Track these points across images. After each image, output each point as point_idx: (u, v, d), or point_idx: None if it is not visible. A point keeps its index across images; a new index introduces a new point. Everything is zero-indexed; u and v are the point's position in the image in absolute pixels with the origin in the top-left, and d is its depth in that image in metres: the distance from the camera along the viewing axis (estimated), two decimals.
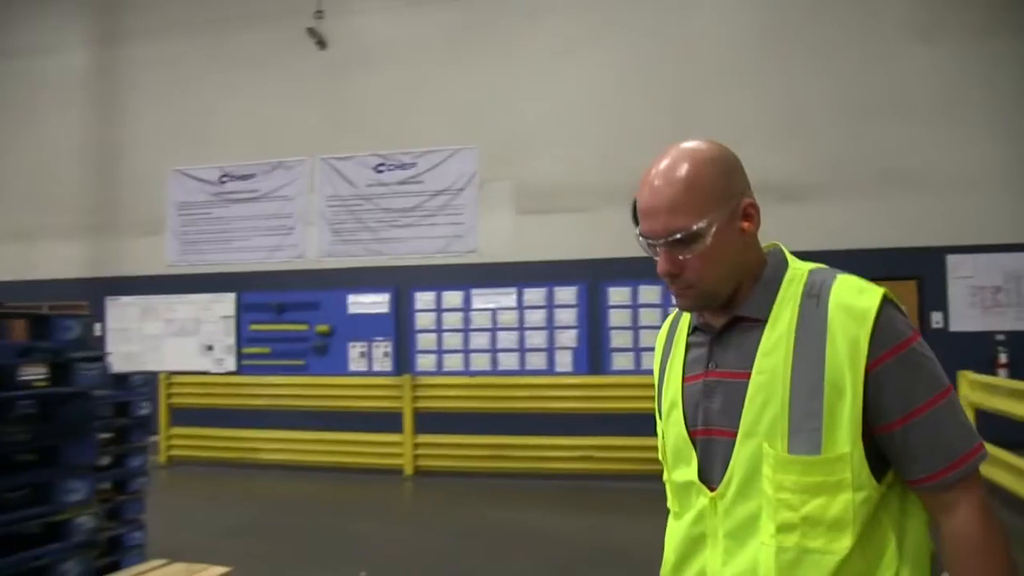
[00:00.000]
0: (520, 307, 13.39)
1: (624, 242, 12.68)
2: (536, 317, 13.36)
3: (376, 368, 13.95)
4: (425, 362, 13.75)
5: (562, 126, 13.43)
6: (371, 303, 14.07)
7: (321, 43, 14.65)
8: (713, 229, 1.74)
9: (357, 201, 14.33)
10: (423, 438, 11.71)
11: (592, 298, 13.20)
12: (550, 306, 13.32)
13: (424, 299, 13.83)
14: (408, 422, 11.64)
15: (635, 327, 13.05)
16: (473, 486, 10.75)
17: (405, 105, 14.23)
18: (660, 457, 2.03)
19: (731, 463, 1.76)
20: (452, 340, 13.68)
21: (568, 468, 11.05)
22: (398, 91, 14.28)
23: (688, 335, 1.94)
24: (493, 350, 13.44)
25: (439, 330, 13.76)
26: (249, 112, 15.06)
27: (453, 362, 13.63)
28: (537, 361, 13.30)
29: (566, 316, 13.27)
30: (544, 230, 13.41)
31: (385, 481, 11.33)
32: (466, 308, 13.68)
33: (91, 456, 4.04)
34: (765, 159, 12.54)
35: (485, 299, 13.48)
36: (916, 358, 1.69)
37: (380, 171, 14.24)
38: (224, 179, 15.18)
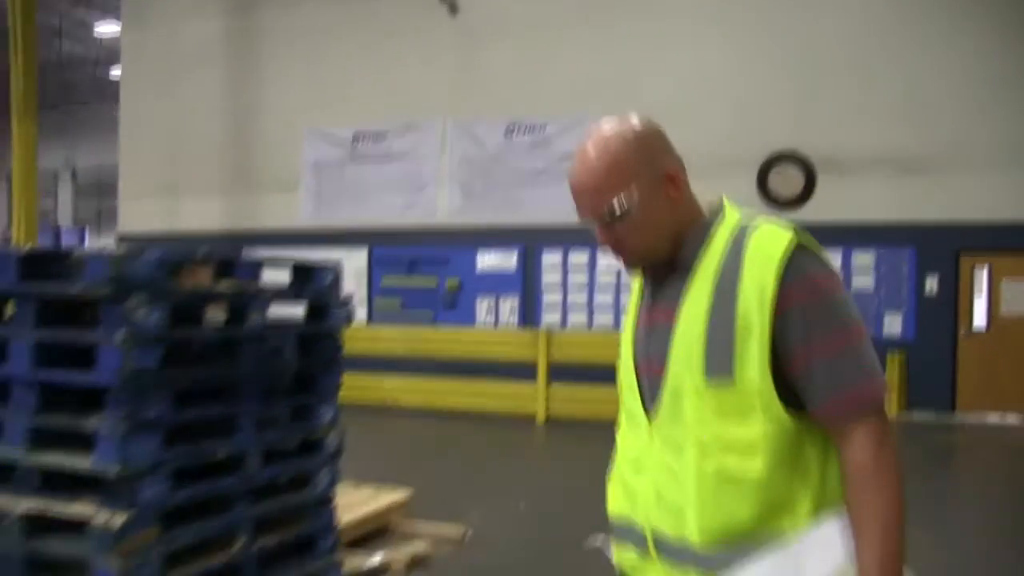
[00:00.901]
0: None
1: (746, 207, 13.16)
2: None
3: (503, 321, 14.65)
4: (550, 318, 14.40)
5: (689, 98, 13.77)
6: (499, 260, 14.72)
7: (453, 8, 15.23)
8: (636, 203, 1.90)
9: (487, 162, 14.96)
10: (555, 387, 12.40)
11: None
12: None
13: (551, 258, 14.44)
14: (542, 372, 12.33)
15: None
16: (601, 431, 11.38)
17: (535, 70, 14.75)
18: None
19: (660, 395, 1.93)
20: (577, 298, 14.31)
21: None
22: (528, 56, 14.80)
23: (642, 283, 2.13)
24: (616, 308, 14.03)
25: (564, 287, 14.39)
26: (382, 76, 15.73)
27: (577, 318, 14.28)
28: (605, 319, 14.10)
29: None
30: None
31: (518, 427, 12.04)
32: (591, 267, 14.27)
33: (338, 385, 4.75)
34: (885, 133, 12.92)
35: (610, 259, 14.03)
36: (820, 299, 1.82)
37: (510, 134, 14.83)
38: (357, 139, 15.92)
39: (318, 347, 4.64)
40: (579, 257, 14.30)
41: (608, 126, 1.97)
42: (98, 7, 25.46)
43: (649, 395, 1.99)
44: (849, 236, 13.11)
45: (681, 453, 1.89)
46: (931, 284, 13.00)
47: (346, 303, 4.76)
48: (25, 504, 3.65)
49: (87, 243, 33.73)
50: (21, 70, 15.22)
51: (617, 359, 2.15)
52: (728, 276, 1.85)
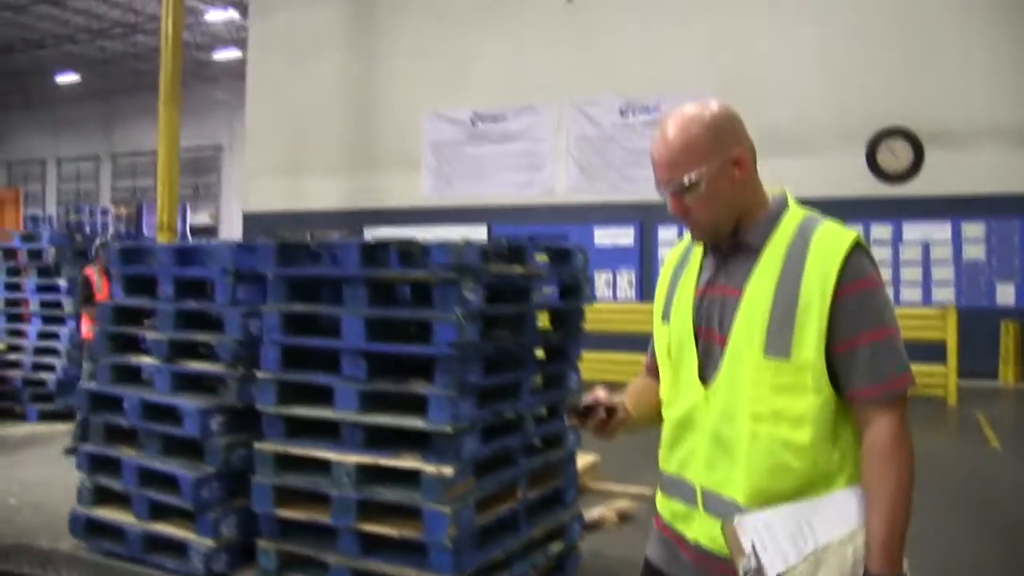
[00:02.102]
0: None
1: (855, 182, 13.66)
2: None
3: (620, 295, 15.24)
4: None
5: (796, 75, 14.28)
6: (616, 236, 15.30)
7: None
8: (705, 179, 2.10)
9: (603, 141, 15.54)
10: None
11: None
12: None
13: (667, 234, 14.99)
14: None
15: None
16: None
17: (647, 53, 15.27)
18: (653, 352, 2.44)
19: (721, 365, 2.11)
20: None
21: None
22: (641, 39, 15.33)
23: (703, 257, 2.28)
24: None
25: None
26: (500, 58, 16.35)
27: None
28: None
29: None
30: (778, 169, 14.24)
31: None
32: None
33: (579, 354, 5.40)
34: (992, 104, 13.23)
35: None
36: (872, 296, 2.03)
37: (624, 113, 15.39)
38: (476, 120, 16.57)
39: (569, 321, 5.30)
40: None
41: (688, 108, 2.16)
42: None
43: (706, 362, 2.17)
44: (959, 207, 13.53)
45: (734, 420, 2.08)
46: None
47: (591, 282, 5.42)
48: (355, 457, 4.35)
49: (188, 218, 34.70)
50: (170, 58, 16.03)
51: (656, 320, 2.36)
52: (794, 262, 2.04)
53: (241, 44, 32.53)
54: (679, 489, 2.23)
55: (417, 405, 4.30)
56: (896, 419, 2.01)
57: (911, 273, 13.85)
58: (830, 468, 2.04)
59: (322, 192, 18.00)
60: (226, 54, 33.56)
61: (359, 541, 4.36)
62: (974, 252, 13.61)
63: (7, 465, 8.26)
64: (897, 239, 13.84)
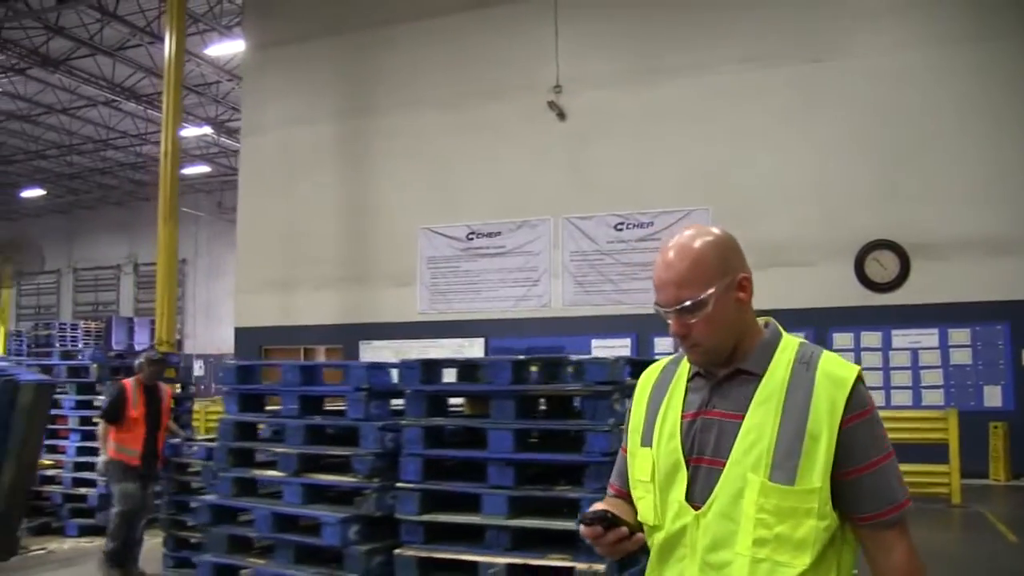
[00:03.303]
0: None
1: (846, 292, 14.32)
2: None
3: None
4: None
5: (786, 191, 14.94)
6: (613, 347, 15.75)
7: (561, 115, 16.50)
8: (713, 299, 2.09)
9: (598, 256, 16.10)
10: None
11: (819, 342, 14.67)
12: None
13: (663, 343, 15.45)
14: None
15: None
16: None
17: (641, 170, 15.93)
18: (622, 475, 2.38)
19: (717, 487, 2.07)
20: None
21: None
22: (634, 157, 15.99)
23: (688, 380, 2.24)
24: None
25: None
26: (494, 176, 16.94)
27: None
28: None
29: None
30: (772, 281, 14.88)
31: None
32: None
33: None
34: (973, 216, 13.99)
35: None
36: (875, 423, 2.07)
37: (619, 229, 15.99)
38: (471, 236, 17.09)
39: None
40: None
41: (691, 231, 2.18)
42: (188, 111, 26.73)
43: (695, 486, 2.12)
44: (945, 314, 14.14)
45: (731, 544, 2.04)
46: None
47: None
48: (504, 559, 4.69)
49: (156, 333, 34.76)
50: (169, 178, 16.45)
51: (630, 445, 2.31)
52: (799, 390, 2.05)
53: (210, 160, 33.17)
54: None
55: (561, 509, 4.66)
56: (909, 540, 2.08)
57: (901, 377, 14.36)
58: None
59: (315, 307, 18.29)
60: (194, 169, 34.08)
61: None
62: (961, 357, 14.17)
63: None
64: (887, 345, 14.42)
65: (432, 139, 17.61)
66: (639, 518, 2.24)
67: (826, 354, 2.12)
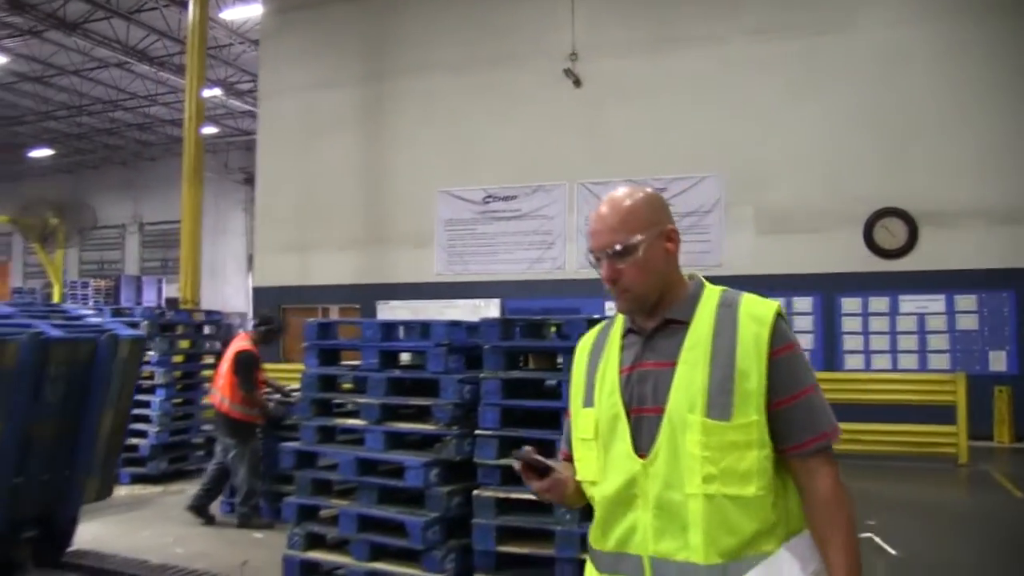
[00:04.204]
0: None
1: (854, 259, 14.83)
2: None
3: None
4: None
5: (796, 159, 15.40)
6: None
7: (577, 82, 16.92)
8: (643, 245, 2.23)
9: None
10: None
11: (827, 306, 15.25)
12: (788, 313, 15.29)
13: None
14: None
15: (865, 332, 15.07)
16: None
17: (655, 136, 16.38)
18: (565, 442, 2.52)
19: (659, 433, 2.15)
20: None
21: None
22: (648, 123, 16.44)
23: (622, 338, 2.35)
24: None
25: None
26: (510, 141, 17.37)
27: None
28: None
29: (802, 322, 15.32)
30: (781, 247, 15.43)
31: None
32: None
33: None
34: (980, 185, 14.49)
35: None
36: (799, 357, 2.19)
37: None
38: (488, 199, 17.56)
39: None
40: None
41: (624, 188, 2.34)
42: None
43: (638, 435, 2.20)
44: (951, 281, 14.67)
45: (681, 485, 2.11)
46: None
47: None
48: None
49: (164, 292, 35.25)
50: (192, 140, 16.90)
51: (573, 409, 2.42)
52: (725, 330, 2.17)
53: (216, 121, 33.47)
54: (622, 564, 2.24)
55: None
56: (834, 468, 2.18)
57: (907, 342, 14.88)
58: (772, 519, 2.13)
59: (333, 267, 18.74)
60: (202, 130, 34.33)
61: (577, 569, 5.20)
62: (967, 322, 14.70)
63: (137, 522, 8.94)
64: (894, 311, 14.92)
65: (450, 103, 18.02)
66: (579, 476, 2.37)
67: (746, 296, 2.27)
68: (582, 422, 2.35)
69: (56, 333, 5.82)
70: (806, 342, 15.17)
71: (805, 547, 2.16)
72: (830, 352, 15.20)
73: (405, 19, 18.64)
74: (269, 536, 8.27)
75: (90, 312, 7.15)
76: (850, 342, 15.18)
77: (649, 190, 2.38)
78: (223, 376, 8.86)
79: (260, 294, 19.79)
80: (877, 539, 7.75)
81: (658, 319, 2.27)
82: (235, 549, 7.70)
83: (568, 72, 16.84)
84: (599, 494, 2.28)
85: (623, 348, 2.33)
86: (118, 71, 29.18)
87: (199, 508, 8.96)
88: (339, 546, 6.25)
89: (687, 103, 16.27)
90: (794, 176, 15.39)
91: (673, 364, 2.18)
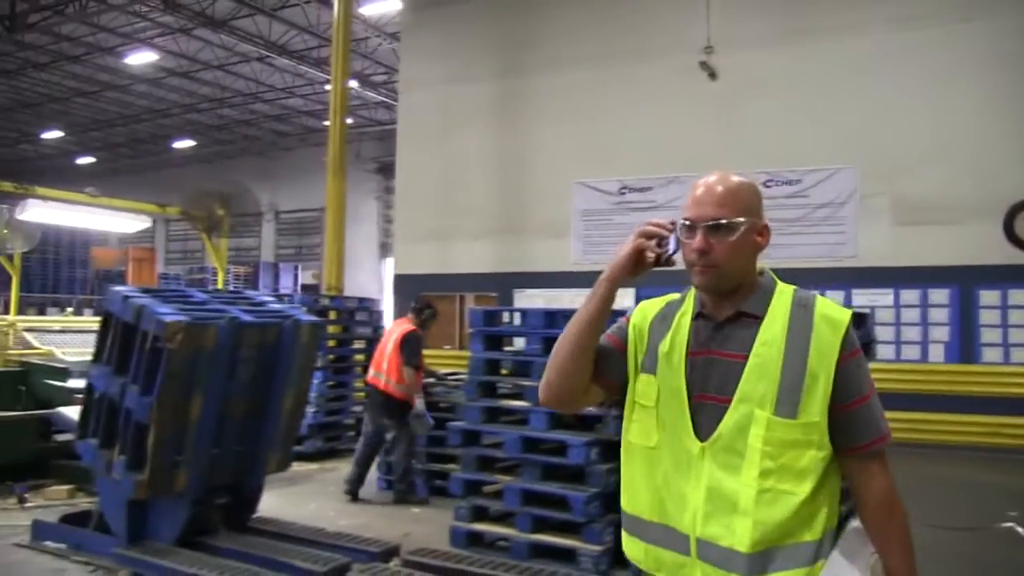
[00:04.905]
0: (896, 305, 15.42)
1: (993, 251, 14.66)
2: (911, 315, 15.41)
3: None
4: None
5: (932, 150, 15.18)
6: None
7: (712, 75, 17.06)
8: (742, 228, 2.30)
9: None
10: None
11: (964, 299, 15.13)
12: (924, 305, 15.30)
13: None
14: None
15: (1004, 325, 14.92)
16: None
17: (789, 127, 16.39)
18: (637, 399, 2.46)
19: (723, 422, 2.22)
20: None
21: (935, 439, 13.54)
22: (782, 115, 16.44)
23: (692, 319, 2.40)
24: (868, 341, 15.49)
25: None
26: (645, 133, 17.58)
27: None
28: (911, 352, 15.37)
29: (938, 314, 15.24)
30: (917, 239, 15.33)
31: None
32: (846, 305, 15.75)
33: None
34: None
35: (864, 298, 15.47)
36: (863, 362, 2.26)
37: (768, 186, 16.53)
38: (624, 190, 17.85)
39: None
40: (834, 296, 15.83)
41: (727, 172, 2.41)
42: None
43: (698, 420, 2.27)
44: None
45: (738, 474, 2.19)
46: None
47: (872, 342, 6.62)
48: None
49: (300, 278, 36.45)
50: (338, 134, 17.58)
51: (635, 372, 2.47)
52: (799, 331, 2.22)
53: (350, 112, 34.33)
54: (666, 538, 2.31)
55: None
56: (889, 471, 2.27)
57: None
58: (818, 513, 2.20)
59: (470, 256, 19.22)
60: None
61: None
62: None
63: (300, 496, 9.56)
64: None
65: (584, 96, 18.31)
66: (634, 439, 2.43)
67: (820, 298, 2.33)
68: (642, 387, 2.42)
69: (248, 318, 6.38)
70: (942, 334, 15.13)
71: (855, 544, 2.28)
72: (967, 345, 15.05)
73: (540, 16, 19.00)
74: (425, 512, 8.80)
75: (271, 298, 7.71)
76: (988, 335, 15.04)
77: (755, 183, 2.44)
78: (387, 358, 9.32)
79: (400, 281, 20.40)
80: (1020, 529, 7.89)
81: (732, 309, 2.33)
82: (394, 523, 8.24)
83: (704, 65, 16.98)
84: (650, 463, 2.37)
85: (691, 330, 2.38)
86: (259, 65, 30.22)
87: (352, 490, 9.51)
88: (502, 518, 6.71)
89: (823, 94, 16.25)
90: (932, 166, 15.26)
91: (744, 357, 2.24)
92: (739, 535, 2.15)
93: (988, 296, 15.01)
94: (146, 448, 5.92)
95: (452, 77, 19.81)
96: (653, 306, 2.57)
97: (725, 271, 2.30)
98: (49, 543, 7.18)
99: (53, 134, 39.94)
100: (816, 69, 16.32)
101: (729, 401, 2.21)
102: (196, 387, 6.00)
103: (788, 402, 2.16)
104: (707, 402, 2.26)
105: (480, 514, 6.70)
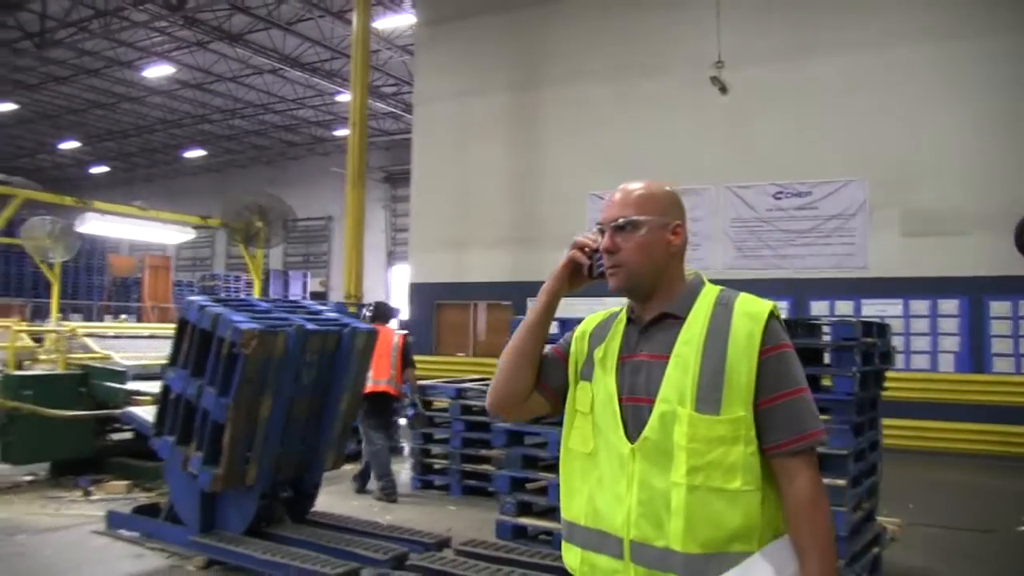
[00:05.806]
0: (906, 316, 15.83)
1: (1002, 262, 15.03)
2: (921, 324, 15.82)
3: None
4: None
5: (941, 163, 15.57)
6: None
7: (723, 89, 17.47)
8: (647, 226, 2.34)
9: (758, 223, 17.15)
10: None
11: (974, 309, 15.55)
12: (933, 315, 15.72)
13: (819, 307, 16.47)
14: None
15: (1016, 336, 15.29)
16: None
17: (799, 141, 16.82)
18: (577, 406, 2.46)
19: (649, 422, 2.22)
20: None
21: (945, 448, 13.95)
22: (792, 128, 16.87)
23: (624, 326, 2.42)
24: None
25: None
26: (657, 146, 17.99)
27: None
28: (920, 361, 15.77)
29: (948, 325, 15.65)
30: (927, 250, 15.67)
31: None
32: (856, 315, 16.04)
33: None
34: None
35: (874, 308, 15.84)
36: (789, 357, 2.23)
37: (778, 198, 17.01)
38: None
39: (877, 379, 6.97)
40: (844, 306, 16.23)
41: (658, 182, 2.50)
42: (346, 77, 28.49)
43: (628, 423, 2.28)
44: None
45: (667, 473, 2.18)
46: None
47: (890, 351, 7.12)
48: None
49: (309, 286, 36.95)
50: (357, 146, 18.05)
51: (573, 381, 2.49)
52: (719, 326, 2.22)
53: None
54: (600, 542, 2.30)
55: None
56: (813, 471, 2.19)
57: None
58: (758, 517, 2.16)
59: (485, 265, 19.66)
60: (345, 131, 35.86)
61: None
62: None
63: (342, 494, 10.06)
64: None
65: (598, 110, 18.78)
66: (571, 445, 2.44)
67: (743, 295, 2.32)
68: (580, 394, 2.44)
69: (312, 326, 6.87)
70: (952, 344, 15.53)
71: (782, 553, 2.17)
72: (977, 355, 15.38)
73: (553, 31, 19.51)
74: (460, 509, 9.30)
75: (326, 307, 8.18)
76: (999, 345, 15.40)
77: (669, 187, 2.52)
78: (393, 365, 10.02)
79: (416, 289, 20.88)
80: None
81: (656, 311, 2.35)
82: (434, 518, 8.74)
83: (714, 80, 17.38)
84: (586, 468, 2.38)
85: (622, 336, 2.41)
86: (271, 76, 30.77)
87: (391, 492, 10.00)
88: (544, 513, 7.18)
89: (832, 108, 16.68)
90: (940, 179, 15.61)
91: (666, 357, 2.25)
92: (672, 534, 2.15)
93: (999, 307, 15.32)
94: (222, 445, 6.40)
95: (467, 90, 20.32)
96: (597, 317, 2.59)
97: (633, 270, 2.35)
98: (123, 531, 7.72)
99: (70, 144, 40.57)
100: (825, 83, 16.76)
101: (653, 401, 2.23)
102: (266, 389, 6.50)
103: (709, 399, 2.16)
104: (635, 404, 2.28)
105: (524, 509, 7.19)
